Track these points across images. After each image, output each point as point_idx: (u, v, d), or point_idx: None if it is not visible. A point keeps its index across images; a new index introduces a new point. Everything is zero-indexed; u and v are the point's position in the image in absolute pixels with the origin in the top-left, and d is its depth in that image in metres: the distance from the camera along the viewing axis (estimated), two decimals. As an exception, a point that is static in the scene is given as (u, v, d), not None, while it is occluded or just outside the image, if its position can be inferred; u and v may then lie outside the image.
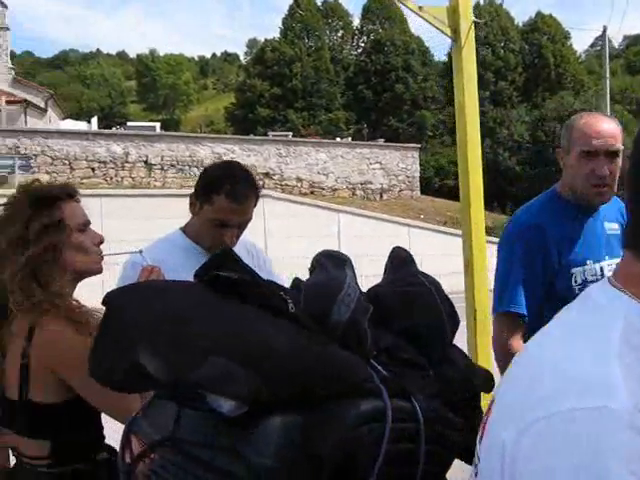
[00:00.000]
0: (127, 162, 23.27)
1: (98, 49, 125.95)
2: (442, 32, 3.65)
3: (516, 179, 43.27)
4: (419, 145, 32.31)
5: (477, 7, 58.93)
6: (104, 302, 1.38)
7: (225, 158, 24.31)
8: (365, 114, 57.17)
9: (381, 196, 27.44)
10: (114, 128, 37.19)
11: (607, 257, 2.63)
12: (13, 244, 1.97)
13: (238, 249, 2.64)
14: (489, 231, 24.87)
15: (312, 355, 1.29)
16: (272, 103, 55.84)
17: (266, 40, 61.74)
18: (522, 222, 2.74)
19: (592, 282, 2.51)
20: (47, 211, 2.02)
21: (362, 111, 57.65)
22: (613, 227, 2.71)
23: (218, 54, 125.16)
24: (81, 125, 33.72)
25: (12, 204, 2.06)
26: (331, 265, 1.54)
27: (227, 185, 2.44)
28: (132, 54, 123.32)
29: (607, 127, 2.60)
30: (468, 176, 3.64)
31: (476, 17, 3.90)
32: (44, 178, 23.12)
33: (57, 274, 2.00)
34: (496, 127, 54.33)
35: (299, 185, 25.39)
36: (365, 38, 64.48)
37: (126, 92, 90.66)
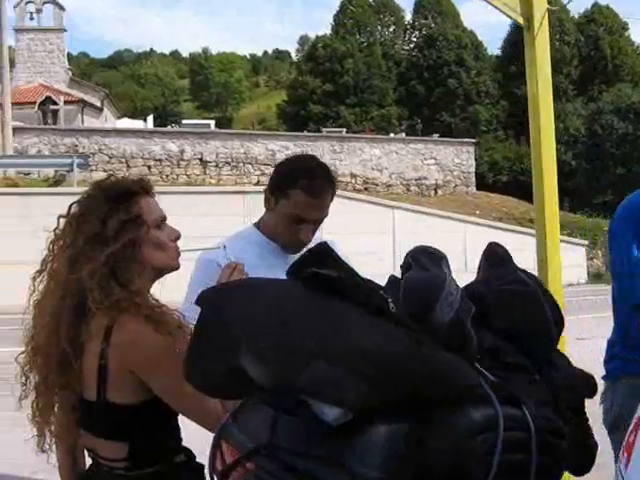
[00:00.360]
0: (182, 160, 23.52)
1: (152, 49, 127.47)
2: (514, 20, 3.51)
3: (571, 173, 42.48)
4: (474, 140, 32.01)
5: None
6: (199, 301, 1.30)
7: (279, 155, 24.42)
8: (417, 109, 56.72)
9: (436, 192, 27.23)
10: (169, 126, 37.52)
11: None
12: (90, 241, 1.91)
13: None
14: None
15: (420, 358, 1.20)
16: (324, 100, 55.77)
17: (317, 37, 61.72)
18: (634, 204, 2.63)
19: None
20: (124, 207, 1.96)
21: (414, 107, 57.23)
22: None
23: (269, 52, 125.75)
24: (137, 124, 34.09)
25: (87, 200, 2.00)
26: (428, 262, 1.45)
27: (304, 179, 2.38)
28: (185, 53, 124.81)
29: None
30: (542, 172, 3.50)
31: (550, 4, 3.75)
32: (101, 177, 23.39)
33: (136, 271, 1.95)
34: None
35: (353, 181, 25.34)
36: (417, 33, 64.03)
37: (179, 91, 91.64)
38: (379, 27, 64.76)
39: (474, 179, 29.20)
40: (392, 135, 34.18)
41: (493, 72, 59.01)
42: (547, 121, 3.50)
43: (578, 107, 51.37)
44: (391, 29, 66.28)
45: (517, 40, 58.01)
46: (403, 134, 36.08)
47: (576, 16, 60.88)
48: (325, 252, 1.40)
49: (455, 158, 28.10)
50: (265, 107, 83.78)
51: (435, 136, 32.26)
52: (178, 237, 2.10)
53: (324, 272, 1.31)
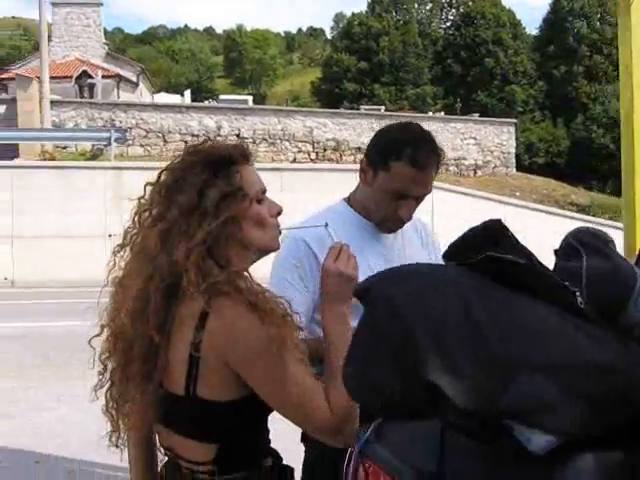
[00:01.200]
0: (219, 135, 23.29)
1: (186, 25, 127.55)
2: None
3: (609, 157, 41.85)
4: (515, 120, 31.45)
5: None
6: (360, 292, 1.08)
7: (316, 132, 24.15)
8: (453, 89, 56.08)
9: (475, 172, 26.82)
10: (206, 102, 37.33)
11: None
12: (186, 215, 1.66)
13: (406, 226, 2.35)
14: (587, 209, 24.02)
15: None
16: (359, 78, 55.34)
17: (353, 14, 61.12)
18: None
19: None
20: (225, 176, 1.70)
21: (450, 86, 56.58)
22: None
23: (304, 29, 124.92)
24: (175, 98, 33.90)
25: (181, 166, 1.73)
26: (605, 248, 1.21)
27: (408, 149, 2.12)
28: (219, 29, 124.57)
29: None
30: (633, 146, 3.25)
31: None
32: (138, 151, 23.39)
33: (236, 251, 1.71)
34: (589, 103, 52.68)
35: (392, 160, 25.02)
36: (454, 11, 63.21)
37: (213, 67, 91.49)
38: (416, 5, 64.04)
39: (514, 160, 28.70)
40: (430, 114, 33.66)
41: (531, 52, 58.09)
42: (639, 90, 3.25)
43: (617, 88, 50.38)
44: (428, 7, 65.58)
45: (556, 20, 57.38)
46: (442, 113, 35.48)
47: (619, -5, 59.60)
48: (501, 231, 1.15)
49: (495, 138, 27.62)
50: (299, 84, 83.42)
51: (475, 115, 31.73)
52: (280, 212, 1.83)
53: (509, 257, 1.07)
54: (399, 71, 56.35)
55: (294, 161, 23.14)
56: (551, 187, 28.06)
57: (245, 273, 1.74)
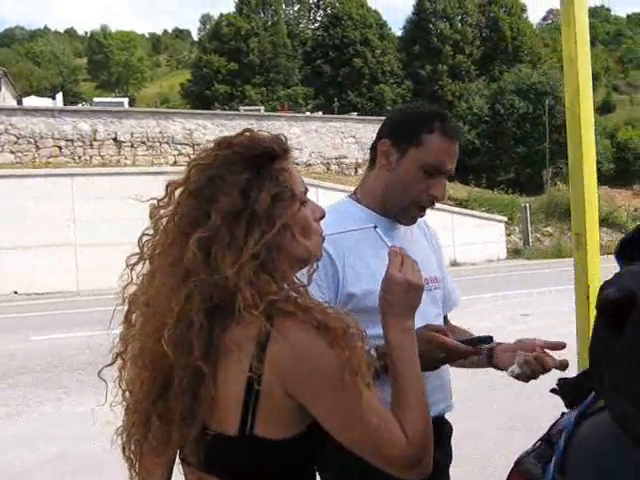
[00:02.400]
0: (95, 140, 22.58)
1: (45, 26, 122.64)
2: (554, -23, 3.32)
3: (474, 152, 43.39)
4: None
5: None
6: (625, 300, 0.96)
7: (196, 134, 23.80)
8: (324, 89, 56.70)
9: (356, 171, 27.16)
10: (80, 105, 36.01)
11: None
12: (230, 222, 1.40)
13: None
14: (464, 203, 24.62)
15: None
16: (229, 79, 55.08)
17: (222, 15, 60.70)
18: None
19: None
20: (270, 175, 1.46)
21: (321, 86, 57.18)
22: None
23: (169, 30, 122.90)
24: (45, 102, 32.50)
25: (217, 163, 1.46)
26: None
27: (437, 121, 2.06)
28: (80, 31, 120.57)
29: None
30: (580, 139, 3.33)
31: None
32: (8, 158, 22.27)
33: (289, 263, 1.49)
34: (455, 100, 54.46)
35: (273, 161, 24.95)
36: (322, 12, 63.94)
37: (77, 70, 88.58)
38: (283, 6, 64.30)
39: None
40: (308, 114, 33.86)
41: (397, 52, 59.49)
42: (585, 82, 3.33)
43: (481, 87, 52.36)
44: (296, 8, 65.97)
45: (419, 21, 59.00)
46: (320, 112, 35.78)
47: (477, -3, 61.97)
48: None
49: (374, 136, 28.02)
50: (168, 87, 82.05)
51: (354, 114, 32.18)
52: (323, 216, 1.59)
53: None
54: (270, 72, 56.48)
55: (175, 164, 22.71)
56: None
57: (301, 287, 1.49)
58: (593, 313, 3.48)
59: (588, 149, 3.26)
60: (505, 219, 23.43)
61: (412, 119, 2.13)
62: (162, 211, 1.50)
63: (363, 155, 27.56)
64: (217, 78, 54.75)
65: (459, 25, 59.28)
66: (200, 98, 53.62)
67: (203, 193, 1.44)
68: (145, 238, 1.51)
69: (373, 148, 2.20)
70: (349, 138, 27.38)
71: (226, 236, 1.40)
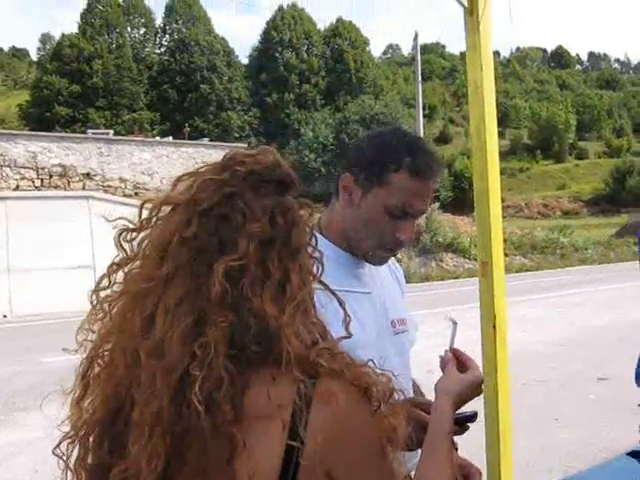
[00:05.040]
0: None
1: None
2: (458, 2, 3.34)
3: (321, 179, 44.25)
4: (245, 145, 32.12)
5: (280, 10, 59.64)
6: None
7: (40, 158, 22.75)
8: (170, 114, 56.09)
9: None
10: None
11: None
12: (264, 249, 1.13)
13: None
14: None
15: None
16: (71, 101, 53.37)
17: (64, 35, 58.79)
18: None
19: None
20: (296, 205, 1.21)
21: (167, 111, 56.54)
22: None
23: (5, 49, 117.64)
24: None
25: (230, 181, 1.17)
26: None
27: (407, 157, 1.75)
28: None
29: None
30: (486, 168, 3.34)
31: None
32: None
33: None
34: (301, 129, 55.34)
35: (122, 186, 24.18)
36: (168, 37, 63.25)
37: None
38: (129, 28, 63.13)
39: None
40: (158, 138, 33.26)
41: (244, 80, 59.84)
42: (490, 109, 3.35)
43: (326, 116, 53.49)
44: (141, 31, 64.87)
45: (266, 50, 59.72)
46: (170, 138, 35.20)
47: (322, 29, 63.47)
48: None
49: (226, 163, 28.00)
50: (4, 108, 78.16)
51: (205, 140, 31.93)
52: None
53: None
54: (114, 95, 55.25)
55: (17, 188, 21.56)
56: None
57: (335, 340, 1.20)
58: (501, 341, 3.48)
59: (494, 178, 3.27)
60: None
61: (378, 152, 1.82)
62: (142, 234, 1.20)
63: (215, 181, 27.38)
64: (58, 100, 52.96)
65: (305, 55, 60.48)
66: (40, 120, 51.53)
67: (223, 213, 1.15)
68: (116, 268, 1.19)
69: (337, 176, 1.90)
70: (201, 164, 26.98)
71: (259, 268, 1.12)
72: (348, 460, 1.11)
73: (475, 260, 24.59)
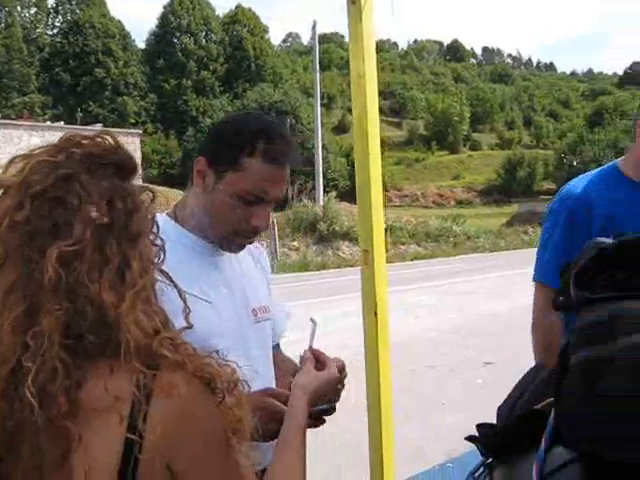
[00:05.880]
0: None
1: None
2: (339, -9, 3.33)
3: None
4: (140, 131, 31.48)
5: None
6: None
7: None
8: (63, 98, 54.45)
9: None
10: None
11: None
12: (101, 235, 1.07)
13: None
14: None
15: None
16: (-44, 83, 51.15)
17: (-53, 13, 56.21)
18: (569, 195, 2.54)
19: None
20: (137, 190, 1.15)
21: (59, 95, 54.85)
22: None
23: None
24: None
25: (65, 162, 1.10)
26: None
27: (262, 142, 1.70)
28: None
29: None
30: (368, 158, 3.35)
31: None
32: None
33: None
34: (199, 116, 54.74)
35: (10, 172, 23.29)
36: (61, 18, 61.33)
37: None
38: (19, 8, 60.81)
39: (141, 171, 28.64)
40: (48, 123, 32.13)
41: (141, 65, 58.71)
42: (372, 99, 3.36)
43: (225, 103, 53.16)
44: (32, 11, 62.59)
45: (164, 35, 58.73)
46: (62, 123, 34.08)
47: (221, 15, 62.91)
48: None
49: (121, 149, 27.34)
50: None
51: (98, 126, 31.05)
52: None
53: None
54: (3, 78, 53.13)
55: None
56: (173, 196, 28.53)
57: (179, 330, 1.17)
58: (382, 329, 3.50)
59: (375, 167, 3.28)
60: (256, 234, 23.84)
61: (232, 137, 1.75)
62: None
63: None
64: (-58, 82, 50.61)
65: (203, 41, 59.80)
66: None
67: (57, 196, 1.08)
68: None
69: (193, 160, 1.85)
70: (94, 150, 26.41)
71: (96, 254, 1.07)
72: (190, 453, 1.07)
73: (371, 249, 24.95)
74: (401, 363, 8.10)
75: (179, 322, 1.16)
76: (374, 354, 3.25)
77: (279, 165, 1.73)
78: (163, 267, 1.18)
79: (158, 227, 1.16)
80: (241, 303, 1.79)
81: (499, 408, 1.32)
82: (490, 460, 1.25)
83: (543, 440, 1.04)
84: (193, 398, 1.07)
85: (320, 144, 30.86)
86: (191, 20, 58.48)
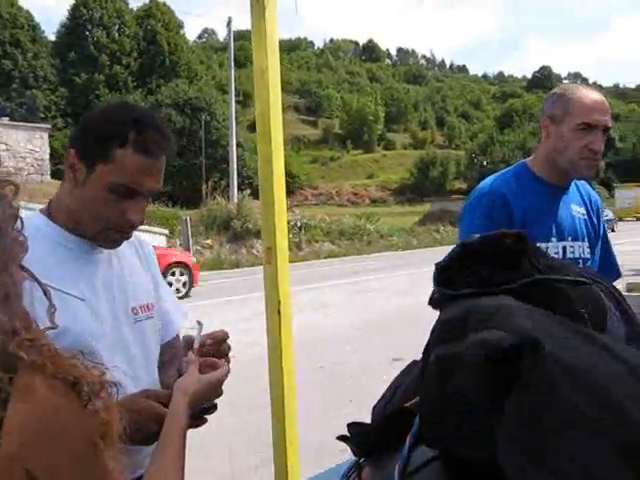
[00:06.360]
0: None
1: None
2: (242, -13, 3.32)
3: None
4: (49, 126, 30.67)
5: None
6: (511, 348, 0.87)
7: None
8: (-32, 90, 52.56)
9: (8, 180, 25.42)
10: None
11: (570, 238, 2.60)
12: None
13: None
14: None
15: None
16: None
17: None
18: (486, 191, 2.60)
19: None
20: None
21: (-36, 87, 52.92)
22: (580, 210, 2.68)
23: None
24: None
25: None
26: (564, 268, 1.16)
27: (133, 133, 1.64)
28: None
29: (605, 103, 2.53)
30: (271, 153, 3.36)
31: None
32: None
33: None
34: (112, 111, 53.63)
35: None
36: (-35, 7, 59.14)
37: None
38: None
39: (49, 167, 27.91)
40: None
41: (51, 57, 57.16)
42: (275, 95, 3.36)
43: (138, 99, 52.26)
44: None
45: (75, 27, 57.27)
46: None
47: (135, 9, 61.81)
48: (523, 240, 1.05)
49: (28, 144, 26.55)
50: None
51: (5, 119, 30.07)
52: None
53: (555, 277, 0.99)
54: None
55: None
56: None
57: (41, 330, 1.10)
58: (285, 327, 3.49)
59: (279, 162, 3.27)
60: (166, 232, 23.47)
61: (103, 127, 1.68)
62: None
63: (15, 164, 25.93)
64: None
65: (116, 35, 58.61)
66: None
67: None
68: None
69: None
70: (1, 145, 25.59)
71: None
72: (51, 459, 1.00)
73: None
74: (310, 360, 8.16)
75: (44, 322, 1.10)
76: (277, 353, 3.23)
77: (152, 156, 1.66)
78: (35, 266, 1.10)
79: (22, 223, 1.10)
80: (120, 302, 1.73)
81: (374, 407, 1.32)
82: (362, 460, 1.25)
83: (408, 439, 1.05)
84: (54, 401, 1.00)
85: (234, 142, 30.68)
86: (104, 13, 57.19)
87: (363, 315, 11.68)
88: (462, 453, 0.96)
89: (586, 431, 0.82)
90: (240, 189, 29.45)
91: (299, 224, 27.35)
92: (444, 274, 1.06)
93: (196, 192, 35.70)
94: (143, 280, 1.88)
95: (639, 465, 0.80)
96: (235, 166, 29.45)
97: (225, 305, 13.28)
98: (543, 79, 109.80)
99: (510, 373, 0.87)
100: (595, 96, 2.51)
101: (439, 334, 1.01)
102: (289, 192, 55.71)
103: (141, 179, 1.65)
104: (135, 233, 1.88)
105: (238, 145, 30.26)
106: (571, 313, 1.00)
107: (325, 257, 26.08)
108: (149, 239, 22.54)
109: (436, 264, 1.10)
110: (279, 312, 3.25)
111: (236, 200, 27.42)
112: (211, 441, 5.20)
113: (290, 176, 58.32)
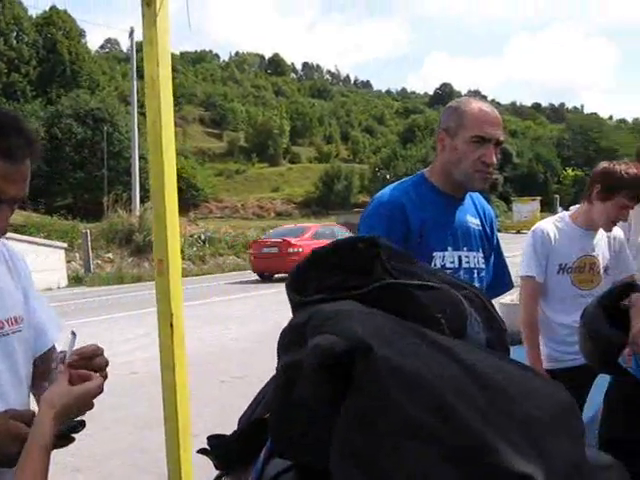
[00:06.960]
0: None
1: None
2: (133, -6, 3.31)
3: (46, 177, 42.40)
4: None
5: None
6: (343, 353, 0.86)
7: None
8: None
9: None
10: None
11: (465, 248, 2.63)
12: None
13: None
14: (22, 229, 23.35)
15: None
16: None
17: None
18: (384, 201, 2.61)
19: (450, 269, 2.51)
20: None
21: None
22: (475, 221, 2.72)
23: None
24: None
25: None
26: (421, 271, 1.17)
27: None
28: None
29: (498, 117, 2.58)
30: (162, 164, 3.32)
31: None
32: None
33: None
34: (9, 121, 51.98)
35: None
36: None
37: None
38: None
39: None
40: None
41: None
42: (167, 105, 3.33)
43: (37, 109, 50.87)
44: None
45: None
46: None
47: (34, 16, 60.17)
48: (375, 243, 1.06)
49: None
50: None
51: None
52: None
53: (406, 282, 1.00)
54: None
55: None
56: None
57: None
58: (178, 341, 3.43)
59: (170, 174, 3.23)
60: (65, 245, 22.82)
61: None
62: None
63: None
64: None
65: (14, 42, 56.88)
66: None
67: None
68: None
69: None
70: None
71: None
72: None
73: (188, 260, 24.64)
74: (211, 374, 8.06)
75: None
76: (170, 367, 3.18)
77: (15, 161, 1.54)
78: None
79: None
80: None
81: (240, 418, 1.30)
82: (223, 473, 1.24)
83: (263, 451, 1.05)
84: None
85: (137, 154, 30.13)
86: (1, 19, 55.49)
87: (265, 327, 11.66)
88: (307, 461, 0.96)
89: (416, 434, 0.83)
90: (142, 202, 28.92)
91: (203, 237, 27.05)
92: (299, 280, 1.07)
93: (98, 205, 34.85)
94: (11, 291, 1.77)
95: (470, 469, 0.81)
96: (138, 179, 28.88)
97: (124, 320, 13.00)
98: (444, 96, 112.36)
99: (346, 378, 0.87)
100: (487, 109, 2.56)
101: (286, 341, 1.01)
102: (194, 205, 55.36)
103: (3, 186, 1.53)
104: (7, 244, 1.81)
105: (141, 157, 29.64)
106: (425, 317, 1.01)
107: (230, 270, 25.89)
108: (47, 252, 21.83)
109: (289, 271, 1.11)
110: (172, 325, 3.20)
111: (138, 213, 26.89)
112: (112, 459, 5.07)
113: (195, 189, 57.78)
